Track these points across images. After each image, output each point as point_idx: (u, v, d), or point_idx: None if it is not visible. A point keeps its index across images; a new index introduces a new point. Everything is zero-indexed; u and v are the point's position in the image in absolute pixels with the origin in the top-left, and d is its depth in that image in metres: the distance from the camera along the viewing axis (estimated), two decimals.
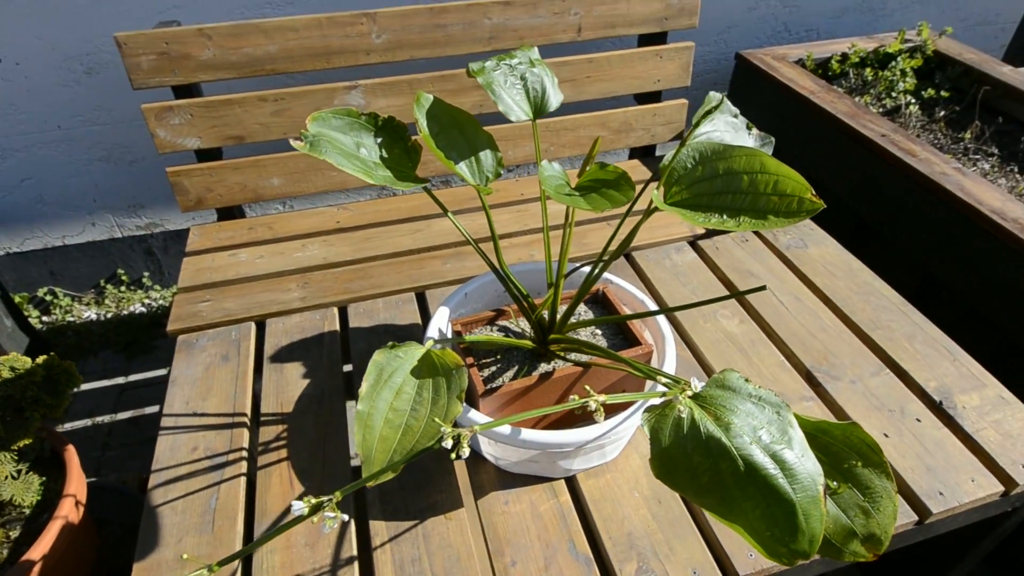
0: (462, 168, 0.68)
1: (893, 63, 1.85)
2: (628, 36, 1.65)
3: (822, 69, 1.88)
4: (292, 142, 0.62)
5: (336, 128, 0.65)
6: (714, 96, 0.75)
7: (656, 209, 0.58)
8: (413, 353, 0.60)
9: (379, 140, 0.66)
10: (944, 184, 1.30)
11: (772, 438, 0.49)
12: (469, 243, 1.49)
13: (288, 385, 0.91)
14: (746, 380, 0.52)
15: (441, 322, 0.82)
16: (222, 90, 1.47)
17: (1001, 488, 0.76)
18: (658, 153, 1.87)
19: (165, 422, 0.85)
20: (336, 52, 1.44)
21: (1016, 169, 1.51)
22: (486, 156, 0.71)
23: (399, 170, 0.65)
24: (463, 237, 1.50)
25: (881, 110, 1.73)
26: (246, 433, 0.84)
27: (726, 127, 0.75)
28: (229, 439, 0.83)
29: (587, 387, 0.55)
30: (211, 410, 0.87)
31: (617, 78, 1.66)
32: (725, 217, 0.55)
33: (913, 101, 1.74)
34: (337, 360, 0.95)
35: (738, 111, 0.77)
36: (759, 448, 0.48)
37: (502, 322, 0.85)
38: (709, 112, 0.70)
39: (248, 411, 0.88)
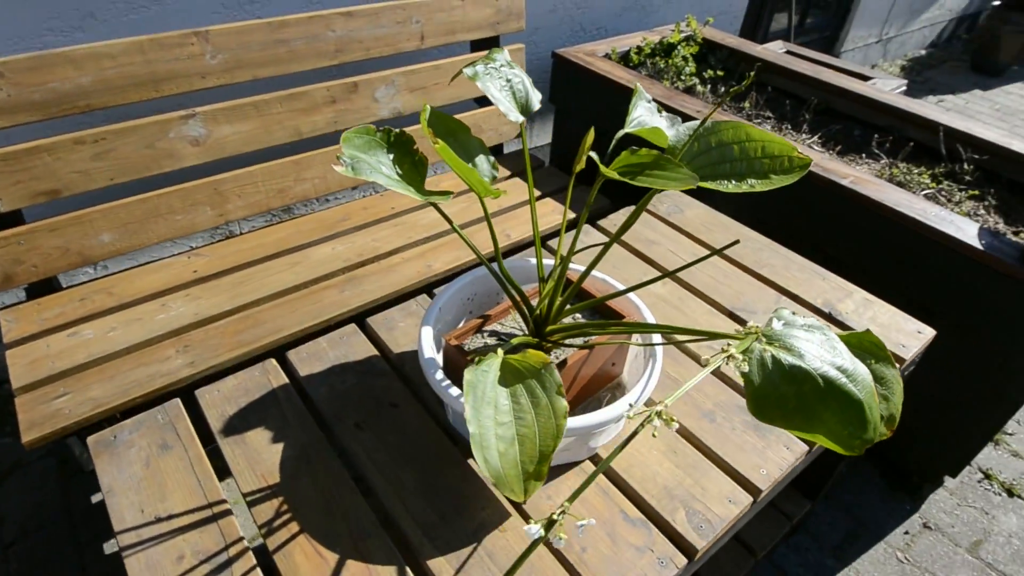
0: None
1: (675, 51, 2.17)
2: (467, 42, 1.70)
3: (623, 60, 2.13)
4: (335, 166, 0.54)
5: (358, 148, 0.58)
6: (639, 87, 0.84)
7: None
8: (493, 365, 0.57)
9: (391, 156, 0.61)
10: None
11: (831, 354, 0.57)
12: (364, 265, 1.42)
13: (260, 454, 0.79)
14: (793, 313, 0.60)
15: (429, 343, 0.79)
16: (25, 136, 1.19)
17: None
18: (506, 151, 1.95)
19: (124, 539, 0.68)
20: (165, 78, 1.26)
21: (789, 127, 1.89)
22: (482, 161, 0.70)
23: (416, 186, 0.62)
24: (350, 263, 1.42)
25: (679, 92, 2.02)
26: (235, 521, 0.72)
27: (647, 112, 0.84)
28: (219, 533, 0.70)
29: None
30: (177, 509, 0.72)
31: (462, 83, 1.70)
32: (733, 182, 0.63)
33: (698, 82, 2.07)
34: (303, 412, 0.85)
35: (651, 98, 0.86)
36: (828, 365, 0.57)
37: (489, 327, 0.84)
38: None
39: (225, 496, 0.75)
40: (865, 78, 2.59)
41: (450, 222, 0.73)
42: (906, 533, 1.50)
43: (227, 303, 1.30)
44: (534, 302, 0.88)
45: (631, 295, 0.87)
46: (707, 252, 1.15)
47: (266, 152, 1.45)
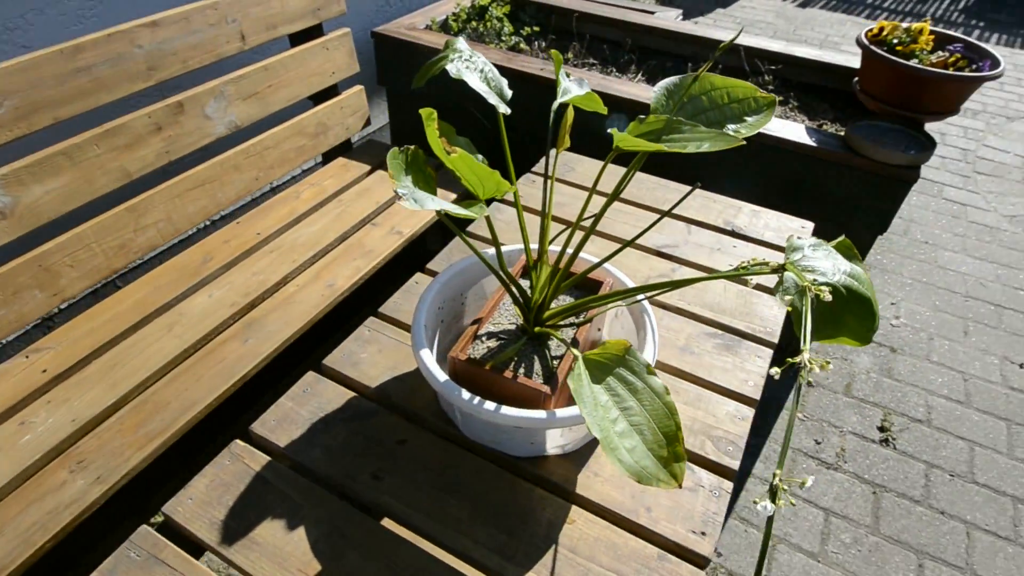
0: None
1: (488, 13, 2.17)
2: (291, 34, 1.53)
3: (444, 29, 2.08)
4: (400, 202, 0.44)
5: (397, 175, 0.49)
6: (556, 53, 0.83)
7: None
8: (580, 367, 0.54)
9: (410, 177, 0.53)
10: (602, 90, 1.66)
11: (838, 264, 0.64)
12: (256, 305, 1.27)
13: (284, 548, 0.67)
14: (799, 237, 0.66)
15: (435, 365, 0.73)
16: None
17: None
18: (355, 145, 1.83)
19: None
20: None
21: (614, 70, 2.01)
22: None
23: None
24: (238, 306, 1.24)
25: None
26: None
27: (569, 82, 0.84)
28: None
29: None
30: None
31: (296, 80, 1.54)
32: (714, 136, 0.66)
33: (521, 40, 2.10)
34: (307, 486, 0.74)
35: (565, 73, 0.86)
36: (841, 274, 0.63)
37: (483, 330, 0.80)
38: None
39: None
40: (649, 12, 2.83)
41: (494, 236, 0.67)
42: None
43: (107, 396, 1.07)
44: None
45: (607, 267, 0.89)
46: (606, 202, 1.20)
47: (93, 206, 1.20)
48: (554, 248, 0.86)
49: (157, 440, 1.01)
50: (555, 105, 0.77)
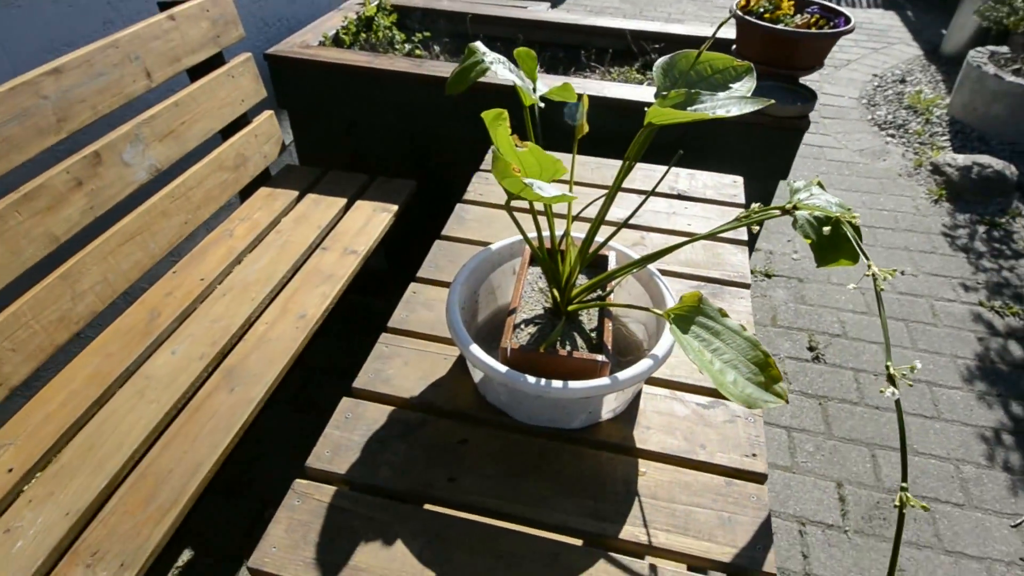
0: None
1: (376, 23, 2.15)
2: (194, 66, 1.44)
3: (336, 44, 2.04)
4: (534, 191, 0.44)
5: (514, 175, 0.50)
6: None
7: None
8: (667, 323, 0.59)
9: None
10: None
11: (830, 200, 0.75)
12: (228, 353, 1.21)
13: (392, 563, 0.67)
14: (795, 182, 0.75)
15: (490, 359, 0.75)
16: None
17: None
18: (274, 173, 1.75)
19: None
20: None
21: None
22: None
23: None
24: (209, 357, 1.17)
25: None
26: None
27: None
28: None
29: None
30: None
31: (208, 113, 1.46)
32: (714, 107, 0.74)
33: (415, 47, 2.11)
34: (387, 503, 0.74)
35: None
36: (835, 206, 0.74)
37: (519, 317, 0.83)
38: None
39: None
40: (522, 7, 2.94)
41: (527, 242, 0.70)
42: None
43: (96, 480, 0.97)
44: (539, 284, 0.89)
45: (613, 242, 0.94)
46: (610, 190, 1.26)
47: (24, 279, 1.07)
48: (546, 236, 0.91)
49: (172, 512, 0.94)
50: (536, 101, 0.82)
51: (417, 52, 2.09)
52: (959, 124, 3.04)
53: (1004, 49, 3.10)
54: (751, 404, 0.55)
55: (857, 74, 3.65)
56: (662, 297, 0.86)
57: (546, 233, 0.88)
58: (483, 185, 1.32)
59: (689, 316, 0.61)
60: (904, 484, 0.44)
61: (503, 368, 0.74)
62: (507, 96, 1.73)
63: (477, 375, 0.85)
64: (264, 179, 1.70)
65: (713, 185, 1.35)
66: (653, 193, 1.08)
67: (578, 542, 0.72)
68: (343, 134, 1.98)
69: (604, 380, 0.73)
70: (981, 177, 2.61)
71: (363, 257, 1.45)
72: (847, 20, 1.67)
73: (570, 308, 0.83)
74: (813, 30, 1.66)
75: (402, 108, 1.86)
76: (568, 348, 0.79)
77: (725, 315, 0.61)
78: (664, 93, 0.69)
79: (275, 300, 1.31)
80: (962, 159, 2.68)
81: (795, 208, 0.71)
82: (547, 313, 0.85)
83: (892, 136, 3.06)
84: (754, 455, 0.81)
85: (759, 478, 0.79)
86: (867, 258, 0.74)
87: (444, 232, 1.18)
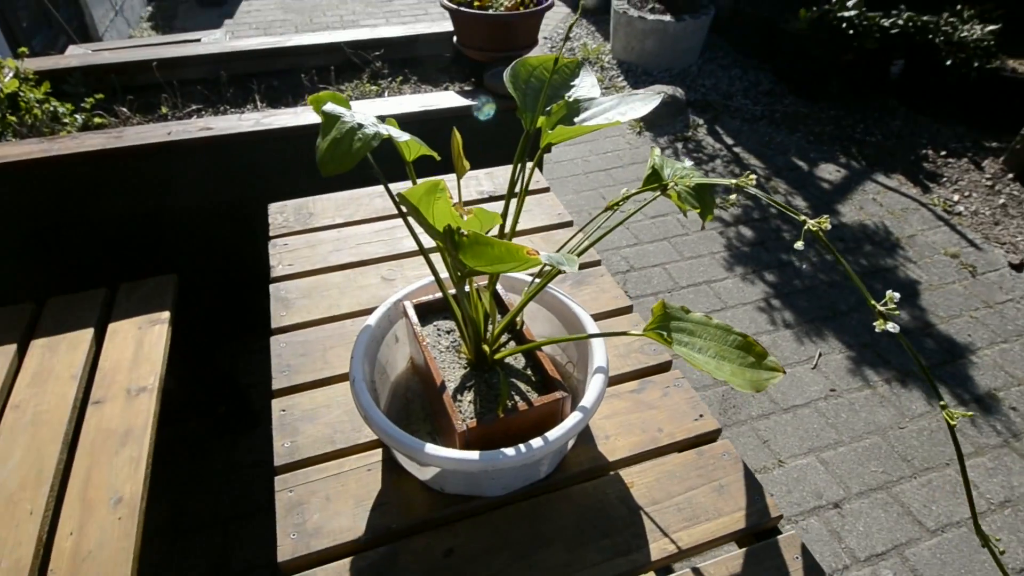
0: None
1: (22, 99, 1.66)
2: None
3: None
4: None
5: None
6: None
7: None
8: (656, 339, 0.55)
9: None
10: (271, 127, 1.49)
11: (685, 166, 0.79)
12: None
13: None
14: (658, 156, 0.77)
15: (461, 455, 0.64)
16: None
17: None
18: None
19: None
20: None
21: (229, 107, 1.80)
22: None
23: None
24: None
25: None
26: None
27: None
28: None
29: None
30: None
31: None
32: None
33: (90, 115, 1.68)
34: None
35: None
36: (699, 175, 0.78)
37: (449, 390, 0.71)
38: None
39: None
40: (196, 41, 2.57)
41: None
42: None
43: None
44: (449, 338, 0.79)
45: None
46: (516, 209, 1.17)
47: None
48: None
49: None
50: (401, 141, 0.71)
51: (98, 120, 1.69)
52: (625, 64, 3.57)
53: None
54: (758, 387, 0.56)
55: None
56: (574, 314, 0.83)
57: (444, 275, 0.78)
58: (288, 254, 1.12)
59: (663, 326, 0.59)
60: (942, 403, 0.48)
61: (474, 456, 0.64)
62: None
63: (427, 472, 0.73)
64: None
65: (504, 176, 1.36)
66: (475, 201, 1.03)
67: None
68: (39, 249, 1.52)
69: (577, 415, 0.68)
70: (661, 104, 3.11)
71: (158, 391, 1.14)
72: None
73: (498, 356, 0.75)
74: (523, 11, 1.75)
75: (120, 191, 1.50)
76: (517, 400, 0.72)
77: (688, 311, 0.61)
78: (548, 109, 0.64)
79: (64, 499, 0.96)
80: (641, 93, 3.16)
81: (675, 184, 0.74)
82: (470, 371, 0.76)
83: None
84: (701, 416, 0.84)
85: (715, 435, 0.83)
86: (712, 209, 0.80)
87: (275, 324, 0.98)
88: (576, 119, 0.63)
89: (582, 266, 1.09)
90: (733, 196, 2.54)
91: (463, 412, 0.70)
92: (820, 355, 1.84)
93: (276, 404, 0.85)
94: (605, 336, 0.79)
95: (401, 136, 0.53)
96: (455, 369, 0.76)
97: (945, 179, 2.67)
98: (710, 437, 0.83)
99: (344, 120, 0.51)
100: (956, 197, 2.56)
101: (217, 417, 1.57)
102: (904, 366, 1.82)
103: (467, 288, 0.73)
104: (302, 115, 1.56)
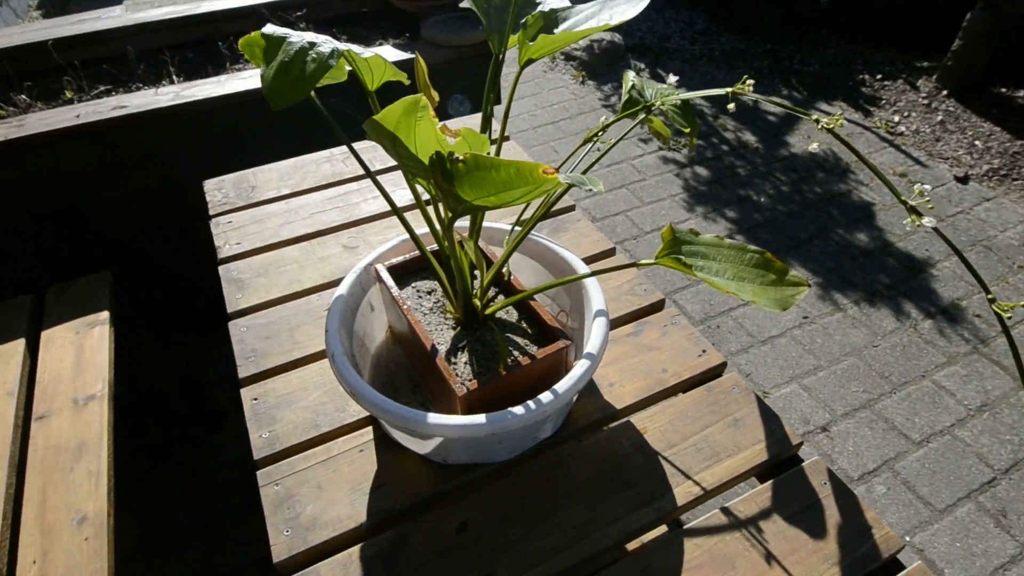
0: None
1: None
2: None
3: None
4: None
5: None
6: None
7: None
8: (672, 265, 0.49)
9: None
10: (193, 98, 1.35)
11: (668, 86, 0.73)
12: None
13: None
14: (633, 76, 0.71)
15: (467, 420, 0.57)
16: None
17: None
18: None
19: None
20: None
21: (139, 86, 1.63)
22: None
23: None
24: None
25: None
26: None
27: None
28: None
29: None
30: None
31: None
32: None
33: None
34: None
35: None
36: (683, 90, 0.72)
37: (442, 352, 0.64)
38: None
39: None
40: (95, 19, 2.32)
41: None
42: None
43: None
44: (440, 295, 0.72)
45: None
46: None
47: None
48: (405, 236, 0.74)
49: None
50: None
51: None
52: None
53: None
54: (784, 304, 0.52)
55: None
56: (562, 258, 0.76)
57: (423, 232, 0.70)
58: (233, 232, 1.02)
59: (675, 251, 0.53)
60: (990, 296, 0.45)
61: (481, 419, 0.58)
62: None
63: (427, 444, 0.67)
64: None
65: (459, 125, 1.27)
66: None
67: (653, 535, 0.63)
68: None
69: (585, 363, 0.63)
70: (602, 50, 3.04)
71: (109, 397, 1.03)
72: None
73: (489, 311, 0.69)
74: None
75: (32, 187, 1.34)
76: (516, 355, 0.66)
77: (697, 233, 0.56)
78: (522, 22, 0.56)
79: (21, 525, 0.86)
80: (582, 42, 3.07)
81: (658, 107, 0.68)
82: (461, 331, 0.70)
83: None
84: (704, 351, 0.80)
85: (721, 369, 0.79)
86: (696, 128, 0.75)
87: (231, 308, 0.88)
88: (557, 29, 0.56)
89: (556, 212, 1.03)
90: (724, 116, 2.51)
91: (460, 375, 0.64)
92: None
93: (246, 394, 0.76)
94: (610, 271, 0.73)
95: (364, 52, 0.45)
96: (443, 331, 0.70)
97: (884, 102, 2.71)
98: (716, 371, 0.79)
99: (291, 41, 0.42)
100: (897, 118, 2.60)
101: (179, 419, 1.45)
102: (869, 287, 1.85)
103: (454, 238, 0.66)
104: (227, 83, 1.43)
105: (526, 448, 0.70)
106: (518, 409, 0.59)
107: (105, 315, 1.18)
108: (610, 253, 0.97)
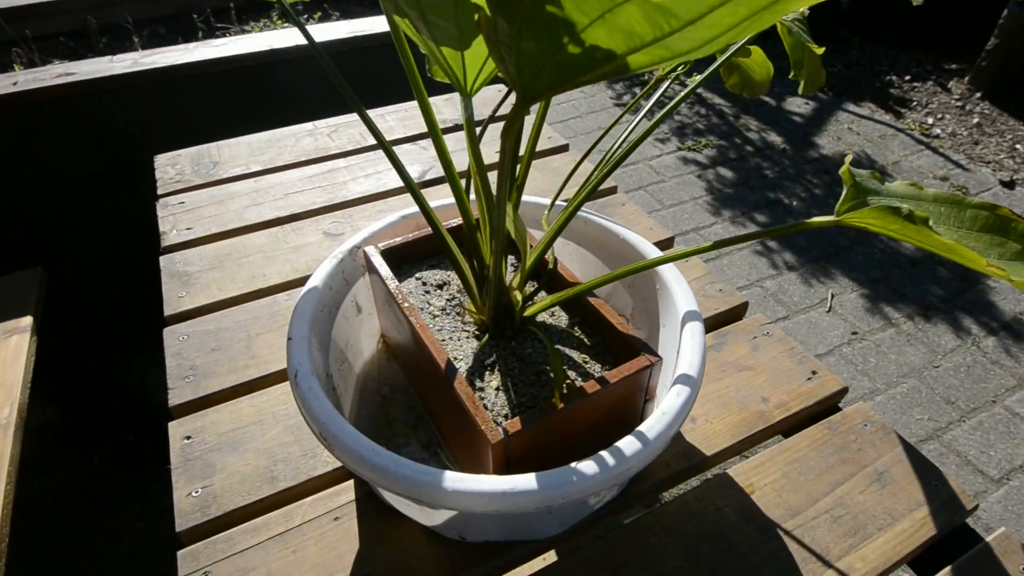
0: None
1: None
2: None
3: None
4: None
5: None
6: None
7: None
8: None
9: None
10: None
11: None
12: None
13: None
14: None
15: (497, 487, 0.35)
16: None
17: None
18: None
19: None
20: None
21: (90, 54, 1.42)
22: None
23: None
24: None
25: None
26: None
27: None
28: None
29: None
30: None
31: None
32: None
33: None
34: None
35: None
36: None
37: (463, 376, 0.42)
38: None
39: None
40: None
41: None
42: None
43: None
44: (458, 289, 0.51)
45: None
46: (527, 151, 0.87)
47: None
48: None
49: None
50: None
51: None
52: None
53: None
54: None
55: None
56: (626, 242, 0.55)
57: (436, 204, 0.48)
58: (184, 214, 0.80)
59: (859, 203, 0.32)
60: None
61: (531, 483, 0.36)
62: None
63: (437, 515, 0.44)
64: None
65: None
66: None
67: None
68: None
69: (683, 389, 0.41)
70: None
71: (16, 426, 0.80)
72: None
73: (530, 311, 0.47)
74: None
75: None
76: (572, 374, 0.44)
77: (882, 180, 0.34)
78: None
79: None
80: None
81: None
82: (488, 342, 0.47)
83: None
84: (814, 372, 0.59)
85: (841, 395, 0.58)
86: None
87: (169, 311, 0.66)
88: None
89: (600, 193, 0.82)
90: (746, 116, 2.31)
91: (491, 407, 0.42)
92: (833, 296, 1.64)
93: (176, 430, 0.53)
94: (703, 251, 0.52)
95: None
96: (461, 340, 0.47)
97: (915, 103, 2.54)
98: (834, 401, 0.57)
99: None
100: (930, 120, 2.42)
101: (124, 448, 1.22)
102: (922, 299, 1.64)
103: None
104: (196, 50, 1.21)
105: (581, 517, 0.47)
106: (588, 466, 0.36)
107: (27, 321, 0.94)
108: (668, 244, 0.75)
